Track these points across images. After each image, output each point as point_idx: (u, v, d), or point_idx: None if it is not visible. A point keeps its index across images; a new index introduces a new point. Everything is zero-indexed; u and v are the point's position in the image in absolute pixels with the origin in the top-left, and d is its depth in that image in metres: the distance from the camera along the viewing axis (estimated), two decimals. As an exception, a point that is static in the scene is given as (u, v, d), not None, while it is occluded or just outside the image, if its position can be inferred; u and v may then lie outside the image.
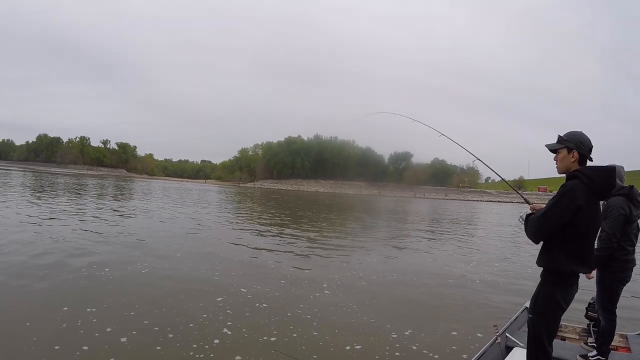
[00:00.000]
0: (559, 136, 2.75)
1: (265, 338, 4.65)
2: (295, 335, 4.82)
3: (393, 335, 4.99)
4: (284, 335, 4.79)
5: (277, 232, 14.76)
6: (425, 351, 4.60)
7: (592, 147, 2.69)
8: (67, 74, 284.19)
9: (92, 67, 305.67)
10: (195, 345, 4.38)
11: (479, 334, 5.12)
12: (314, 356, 4.30)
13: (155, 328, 4.79)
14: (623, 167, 3.79)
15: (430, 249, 12.78)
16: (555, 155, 2.77)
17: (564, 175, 2.73)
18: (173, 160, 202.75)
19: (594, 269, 3.67)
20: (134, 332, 4.63)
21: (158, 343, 4.41)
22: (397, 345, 4.73)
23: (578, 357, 3.78)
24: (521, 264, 10.49)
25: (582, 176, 2.56)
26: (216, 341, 4.53)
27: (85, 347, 4.17)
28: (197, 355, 4.15)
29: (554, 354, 2.82)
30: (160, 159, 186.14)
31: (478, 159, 4.00)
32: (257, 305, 5.90)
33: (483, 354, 3.62)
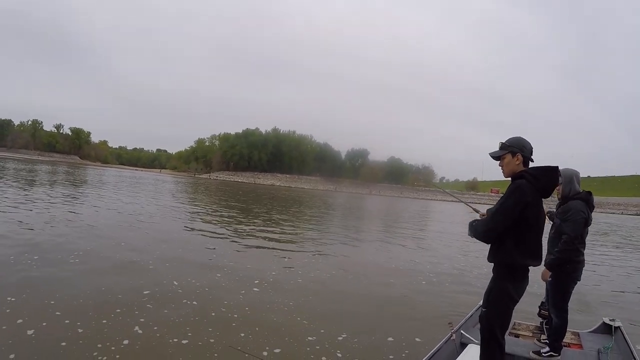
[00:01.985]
0: (502, 143, 2.94)
1: (175, 340, 4.24)
2: (212, 340, 4.35)
3: (313, 339, 4.64)
4: (198, 338, 4.38)
5: (226, 224, 14.39)
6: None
7: (532, 148, 2.91)
8: (20, 53, 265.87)
9: (47, 47, 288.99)
10: (100, 345, 3.98)
11: (417, 339, 4.88)
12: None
13: (66, 321, 4.44)
14: (579, 173, 3.97)
15: (378, 246, 12.65)
16: (499, 161, 2.95)
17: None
18: (128, 148, 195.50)
19: (542, 263, 3.76)
20: (44, 324, 4.31)
21: (65, 338, 4.05)
22: (317, 347, 4.43)
23: (531, 353, 3.88)
24: (470, 263, 10.42)
25: (528, 176, 2.75)
26: (125, 342, 4.12)
27: (-13, 341, 3.78)
28: (98, 358, 3.74)
29: (509, 350, 2.97)
30: (114, 146, 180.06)
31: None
32: (184, 301, 5.54)
33: (438, 350, 3.70)
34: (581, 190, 3.91)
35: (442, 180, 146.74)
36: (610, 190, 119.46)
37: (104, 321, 4.56)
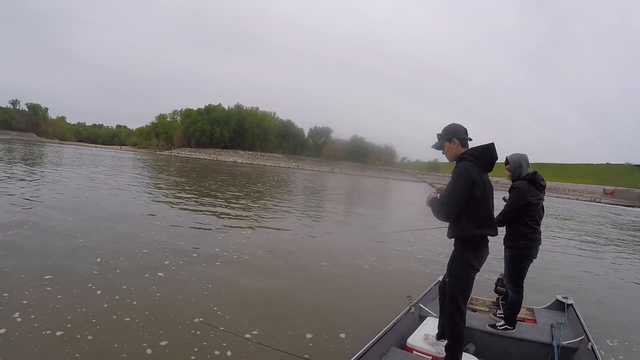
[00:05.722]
0: (438, 134, 3.26)
1: (48, 332, 3.84)
2: (89, 336, 3.86)
3: (211, 334, 4.17)
4: (76, 331, 3.93)
5: (173, 201, 14.02)
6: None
7: (466, 129, 3.20)
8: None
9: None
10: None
11: (341, 335, 4.46)
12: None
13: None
14: (527, 155, 4.26)
15: (327, 226, 12.23)
16: (442, 150, 3.24)
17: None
18: (86, 124, 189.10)
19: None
20: None
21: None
22: (204, 343, 3.97)
23: (487, 326, 4.09)
24: (423, 246, 9.95)
25: (469, 156, 3.04)
26: (2, 330, 3.78)
27: None
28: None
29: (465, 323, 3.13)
30: (72, 122, 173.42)
31: None
32: (88, 285, 5.14)
33: (397, 322, 3.83)
34: (530, 171, 4.16)
35: (404, 161, 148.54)
36: (567, 177, 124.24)
37: (-7, 307, 4.24)
